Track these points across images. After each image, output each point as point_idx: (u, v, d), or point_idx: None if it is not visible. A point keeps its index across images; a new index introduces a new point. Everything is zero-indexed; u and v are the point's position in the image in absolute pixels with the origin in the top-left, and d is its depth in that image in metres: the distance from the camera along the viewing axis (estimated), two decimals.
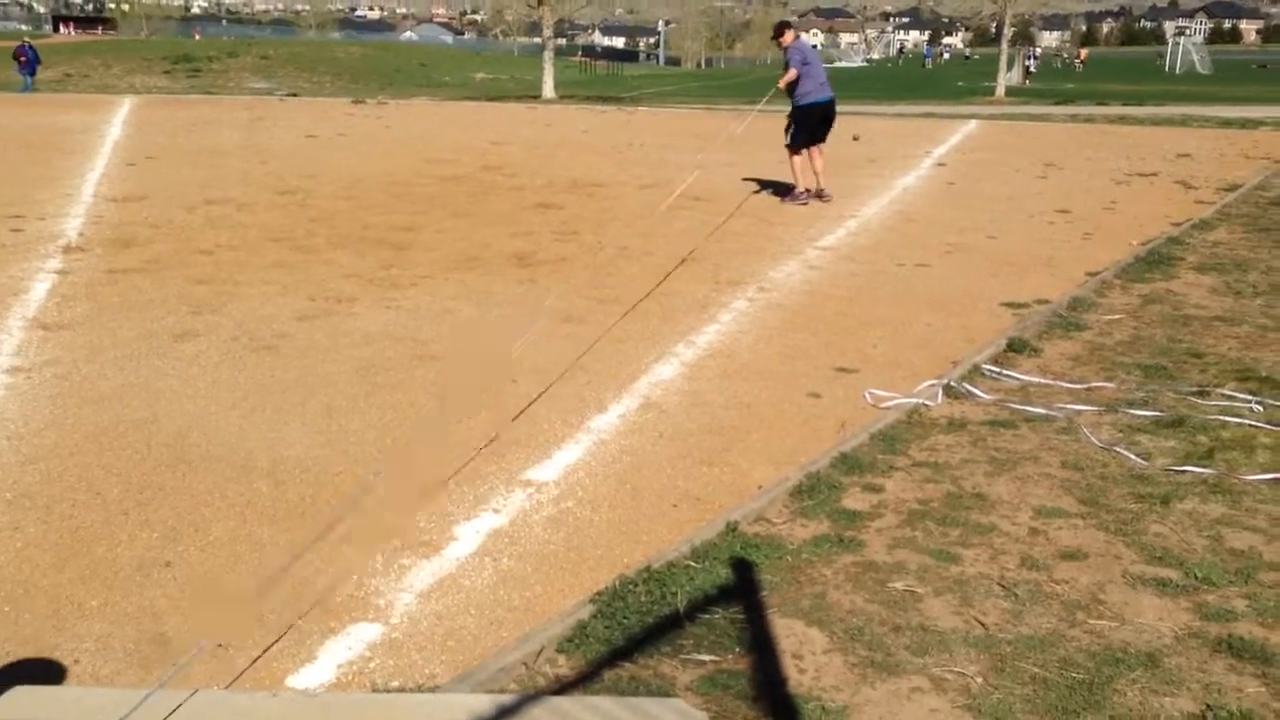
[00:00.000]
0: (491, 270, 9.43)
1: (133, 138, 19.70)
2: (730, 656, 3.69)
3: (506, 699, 3.24)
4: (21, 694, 3.06)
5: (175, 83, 46.68)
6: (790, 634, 3.83)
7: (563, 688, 3.45)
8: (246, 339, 7.22)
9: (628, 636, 3.79)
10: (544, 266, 9.61)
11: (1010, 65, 43.55)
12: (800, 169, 13.29)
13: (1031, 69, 49.98)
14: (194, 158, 16.70)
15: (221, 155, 17.20)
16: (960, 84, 45.14)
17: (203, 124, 22.47)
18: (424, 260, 9.76)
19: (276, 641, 3.74)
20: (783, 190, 13.73)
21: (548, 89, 39.48)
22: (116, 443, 5.42)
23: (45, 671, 3.53)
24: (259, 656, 3.66)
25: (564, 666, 3.64)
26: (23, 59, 35.34)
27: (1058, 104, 33.52)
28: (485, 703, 3.18)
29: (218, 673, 3.57)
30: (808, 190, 13.31)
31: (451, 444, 5.54)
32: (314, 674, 3.61)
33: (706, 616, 3.92)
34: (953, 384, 6.36)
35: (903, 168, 16.82)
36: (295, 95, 36.82)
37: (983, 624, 3.87)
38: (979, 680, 3.53)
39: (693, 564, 4.28)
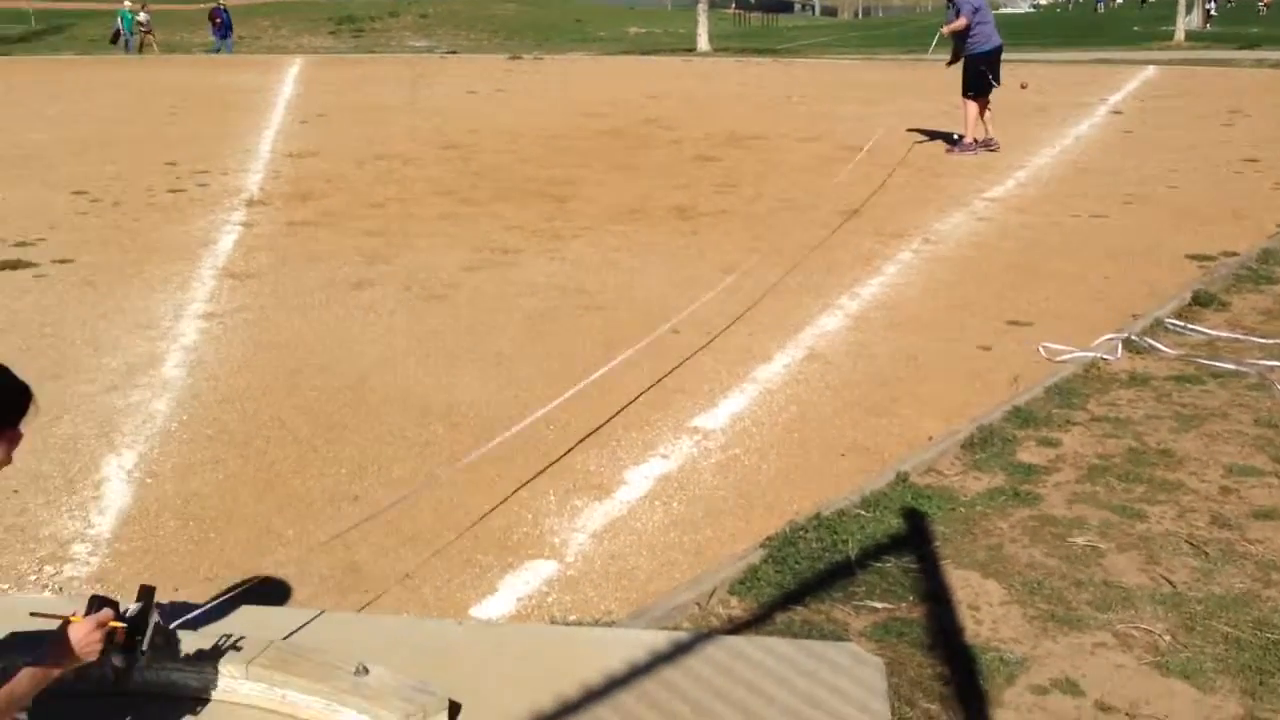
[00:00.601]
0: (652, 222, 9.47)
1: (303, 96, 20.37)
2: (903, 605, 3.68)
3: (682, 636, 3.30)
4: (248, 611, 3.26)
5: (340, 42, 47.99)
6: (965, 585, 3.78)
7: (736, 628, 3.49)
8: (418, 288, 7.43)
9: (799, 581, 3.80)
10: (705, 219, 9.61)
11: (1189, 8, 41.37)
12: (973, 118, 12.94)
13: (1212, 12, 47.38)
14: (361, 114, 17.18)
15: (387, 112, 17.65)
16: (1136, 29, 43.08)
17: (368, 82, 23.07)
18: (585, 212, 9.87)
19: (457, 574, 3.89)
20: (948, 140, 13.39)
21: (702, 42, 39.18)
22: (303, 385, 5.67)
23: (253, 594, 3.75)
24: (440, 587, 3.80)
25: (736, 608, 3.68)
26: (218, 20, 36.45)
27: (1242, 49, 31.70)
28: (661, 639, 3.24)
29: (405, 601, 3.73)
30: (975, 140, 12.96)
31: (618, 391, 5.62)
32: (495, 606, 3.74)
33: (878, 565, 3.91)
34: (1134, 338, 6.14)
35: (1076, 116, 16.19)
36: (454, 52, 37.45)
37: (1170, 582, 3.75)
38: (1167, 638, 3.43)
39: (863, 513, 4.26)
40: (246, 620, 3.21)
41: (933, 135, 14.01)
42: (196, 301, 7.10)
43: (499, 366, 5.98)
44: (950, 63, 13.31)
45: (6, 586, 3.79)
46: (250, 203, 10.30)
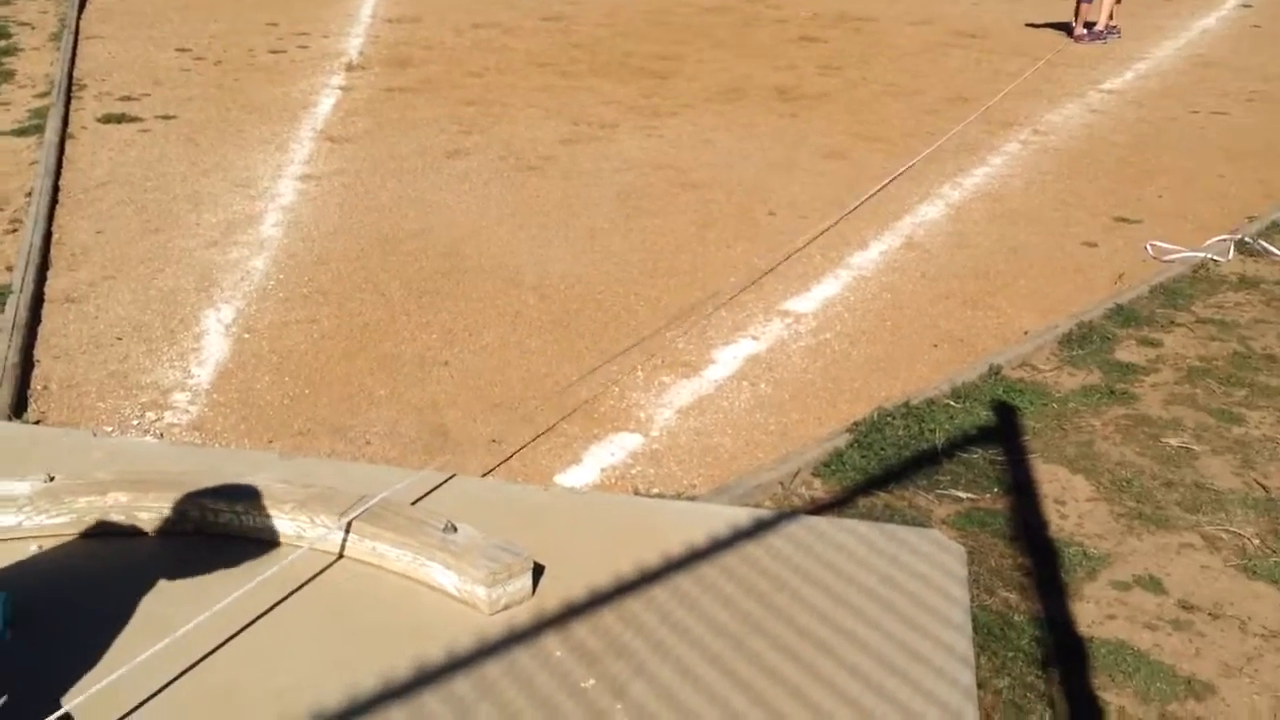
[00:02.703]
0: (753, 103, 9.28)
1: None
2: (988, 496, 3.65)
3: (764, 514, 3.31)
4: (340, 466, 3.35)
5: None
6: (1053, 480, 3.74)
7: (817, 510, 3.50)
8: (513, 159, 7.40)
9: (883, 467, 3.79)
10: (806, 101, 9.38)
11: None
12: (1104, 4, 12.33)
13: None
14: None
15: None
16: None
17: None
18: (685, 90, 9.69)
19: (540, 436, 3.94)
20: (1066, 29, 12.83)
21: None
22: (397, 249, 5.72)
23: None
24: (519, 449, 3.86)
25: (819, 490, 3.68)
26: None
27: None
28: (743, 515, 3.25)
29: (491, 465, 3.79)
30: (1107, 26, 12.38)
31: (710, 271, 5.58)
32: (580, 475, 3.79)
33: (965, 455, 3.87)
34: (1247, 240, 5.91)
35: (1202, 8, 15.39)
36: None
37: (1264, 487, 3.66)
38: (1256, 542, 3.37)
39: (952, 403, 4.21)
40: (338, 474, 3.29)
41: (1050, 23, 13.43)
42: (295, 163, 7.16)
43: (591, 240, 5.96)
44: None
45: (111, 429, 3.92)
46: (349, 67, 10.28)
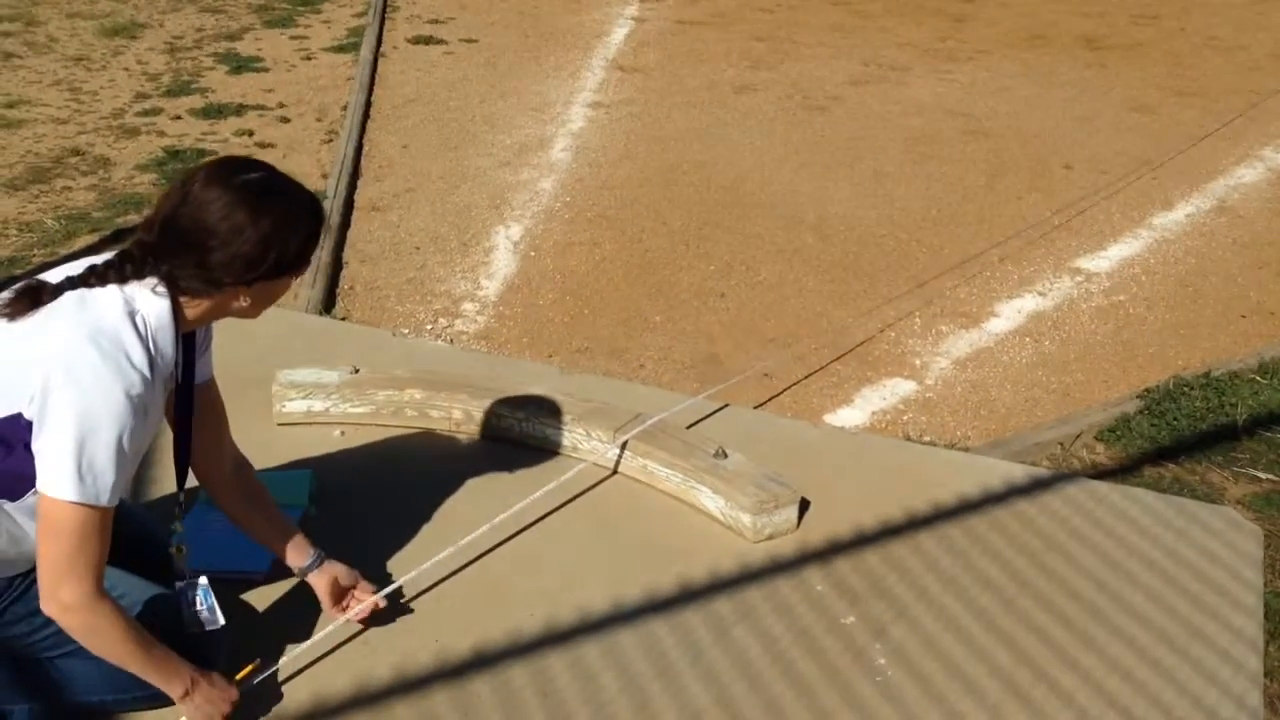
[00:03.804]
0: (1056, 50, 8.80)
1: None
2: None
3: (1041, 473, 3.18)
4: (615, 385, 3.44)
5: None
6: None
7: (1098, 475, 3.33)
8: (800, 98, 7.32)
9: (1175, 438, 3.56)
10: (1116, 51, 8.82)
11: None
12: None
13: None
14: None
15: None
16: None
17: None
18: (984, 35, 9.29)
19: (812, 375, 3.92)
20: None
21: None
22: (680, 180, 5.77)
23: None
24: (789, 387, 3.85)
25: (1101, 455, 3.51)
26: None
27: None
28: (1019, 472, 3.15)
29: (762, 398, 3.81)
30: None
31: (997, 222, 5.37)
32: (850, 416, 3.75)
33: (1268, 434, 3.60)
34: None
35: None
36: None
37: None
38: None
39: (1259, 379, 3.91)
40: (614, 392, 3.38)
41: None
42: (586, 90, 7.33)
43: (876, 183, 5.83)
44: None
45: (407, 331, 4.16)
46: None
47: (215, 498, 2.27)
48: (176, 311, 1.91)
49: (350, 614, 2.31)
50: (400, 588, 2.46)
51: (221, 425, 2.24)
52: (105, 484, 1.79)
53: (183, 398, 2.08)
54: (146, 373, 1.83)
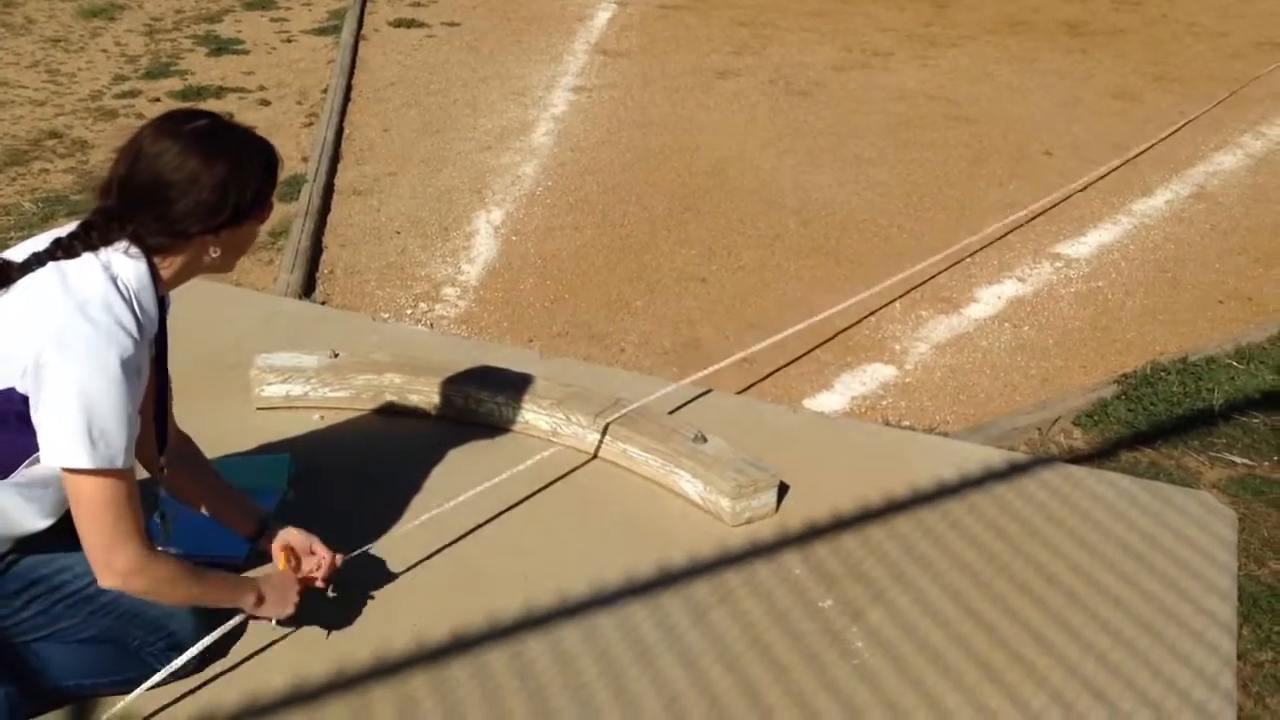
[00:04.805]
0: (1039, 36, 8.82)
1: None
2: (1266, 464, 3.40)
3: (1019, 457, 3.20)
4: (595, 370, 3.44)
5: None
6: None
7: (1075, 459, 3.35)
8: (783, 83, 7.31)
9: (1151, 423, 3.59)
10: (1098, 37, 8.84)
11: None
12: None
13: None
14: None
15: None
16: None
17: None
18: (966, 20, 9.30)
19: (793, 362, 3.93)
20: None
21: None
22: (662, 165, 5.77)
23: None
24: (770, 373, 3.86)
25: (1079, 440, 3.53)
26: None
27: None
28: (996, 456, 3.16)
29: (742, 383, 3.81)
30: None
31: (978, 208, 5.39)
32: (829, 401, 3.76)
33: (1244, 419, 3.62)
34: None
35: None
36: None
37: None
38: None
39: (1235, 364, 3.94)
40: (594, 377, 3.38)
41: None
42: (568, 75, 7.31)
43: (857, 169, 5.84)
44: None
45: (387, 316, 4.15)
46: None
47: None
48: (154, 271, 1.93)
49: (304, 572, 2.28)
50: (365, 551, 2.49)
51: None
52: (118, 446, 1.82)
53: (159, 362, 2.08)
54: (136, 334, 1.85)
